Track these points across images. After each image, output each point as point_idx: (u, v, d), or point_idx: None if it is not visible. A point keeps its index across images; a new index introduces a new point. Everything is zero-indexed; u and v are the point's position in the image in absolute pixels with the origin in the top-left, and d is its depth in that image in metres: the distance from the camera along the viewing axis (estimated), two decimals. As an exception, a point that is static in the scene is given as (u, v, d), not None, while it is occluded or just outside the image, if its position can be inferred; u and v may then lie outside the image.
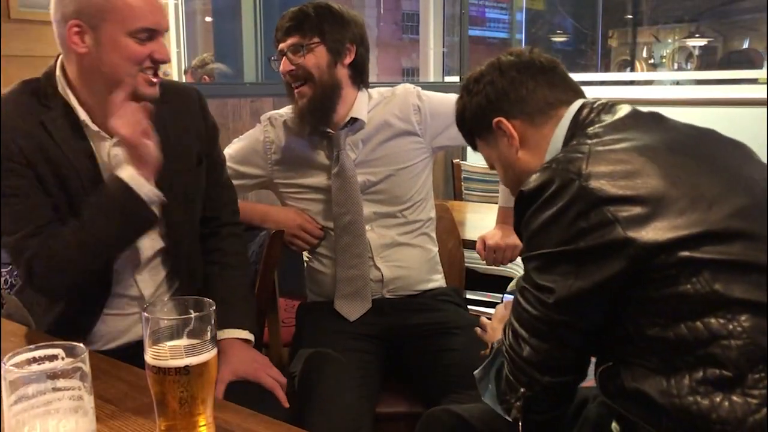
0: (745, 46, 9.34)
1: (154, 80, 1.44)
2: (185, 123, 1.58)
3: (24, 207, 1.40)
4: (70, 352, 0.86)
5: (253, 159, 1.96)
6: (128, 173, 1.37)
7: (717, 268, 0.96)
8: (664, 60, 10.22)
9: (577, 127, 1.19)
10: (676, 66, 9.55)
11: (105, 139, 1.47)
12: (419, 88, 1.98)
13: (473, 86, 1.32)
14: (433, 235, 2.02)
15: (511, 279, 3.07)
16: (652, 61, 10.39)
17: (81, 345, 0.86)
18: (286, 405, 1.46)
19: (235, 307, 1.58)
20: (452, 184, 3.77)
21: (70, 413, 0.84)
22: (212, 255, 1.66)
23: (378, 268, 1.89)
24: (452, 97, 1.97)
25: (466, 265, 2.26)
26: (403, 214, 1.92)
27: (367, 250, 1.88)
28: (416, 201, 1.94)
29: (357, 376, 1.69)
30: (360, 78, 1.90)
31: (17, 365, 0.84)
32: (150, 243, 1.56)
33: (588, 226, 1.00)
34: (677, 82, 7.31)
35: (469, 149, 4.17)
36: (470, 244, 2.20)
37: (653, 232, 0.97)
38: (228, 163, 1.81)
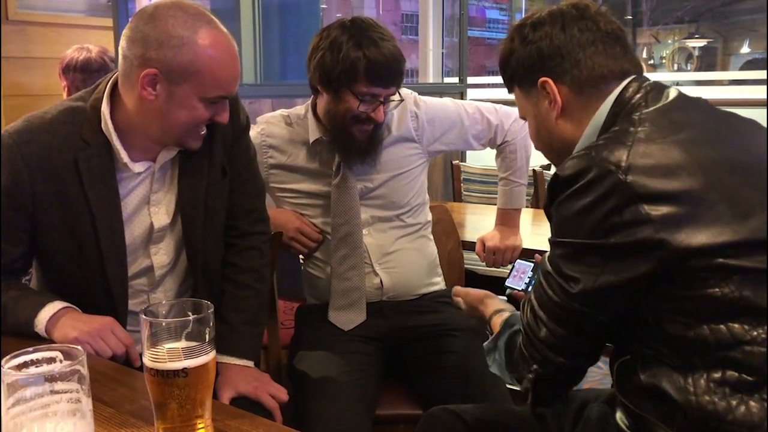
0: (745, 46, 9.35)
1: (203, 134, 1.43)
2: (212, 133, 1.49)
3: None
4: (68, 355, 0.86)
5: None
6: (43, 322, 1.34)
7: (748, 275, 0.95)
8: (663, 60, 10.21)
9: (622, 107, 1.12)
10: (675, 67, 9.54)
11: (147, 169, 1.46)
12: (416, 94, 1.98)
13: (529, 33, 1.20)
14: (431, 237, 2.02)
15: (510, 280, 3.07)
16: (651, 61, 10.39)
17: (79, 348, 0.86)
18: (279, 420, 1.43)
19: (240, 332, 1.53)
20: (451, 185, 3.76)
21: (68, 416, 0.84)
22: (227, 270, 1.60)
23: (377, 275, 1.88)
24: (449, 103, 1.98)
25: (465, 266, 2.25)
26: (400, 218, 1.92)
27: (364, 261, 1.87)
28: (414, 205, 1.93)
29: (356, 378, 1.69)
30: None
31: (15, 368, 0.83)
32: (166, 259, 1.54)
33: (621, 223, 0.97)
34: (677, 83, 7.31)
35: (468, 152, 4.17)
36: (470, 246, 2.20)
37: (687, 237, 0.95)
38: None
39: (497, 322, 1.34)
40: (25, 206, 1.38)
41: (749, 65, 8.78)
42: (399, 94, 1.79)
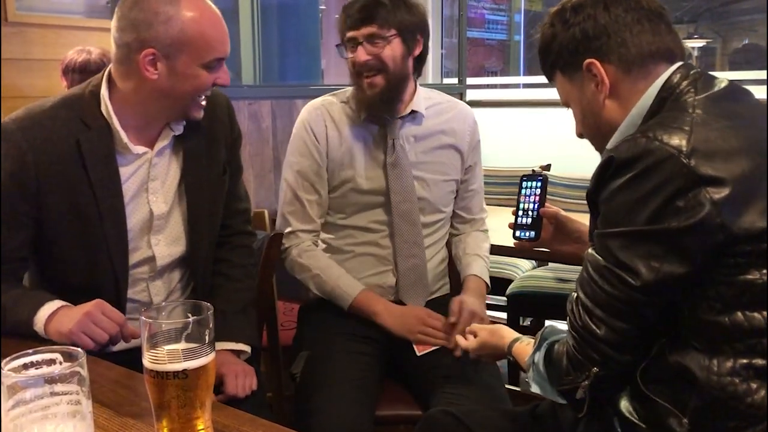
0: (745, 43, 9.34)
1: (204, 104, 1.49)
2: (215, 131, 1.59)
3: None
4: (68, 357, 0.86)
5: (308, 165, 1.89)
6: (42, 320, 1.35)
7: None
8: (662, 61, 10.20)
9: (669, 92, 1.11)
10: (674, 67, 9.52)
11: (142, 156, 1.49)
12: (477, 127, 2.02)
13: (570, 16, 1.18)
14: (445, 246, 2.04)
15: (510, 281, 3.08)
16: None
17: (79, 349, 0.86)
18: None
19: (232, 320, 1.58)
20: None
21: (68, 418, 0.84)
22: (219, 265, 1.66)
23: (395, 275, 1.88)
24: (480, 173, 2.05)
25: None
26: (434, 224, 1.93)
27: (422, 238, 1.88)
28: (445, 215, 1.95)
29: (357, 378, 1.69)
30: (419, 69, 1.90)
31: (15, 369, 0.84)
32: (167, 250, 1.56)
33: (684, 207, 0.96)
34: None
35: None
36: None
37: (745, 220, 0.96)
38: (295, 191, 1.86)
39: (521, 347, 1.31)
40: (30, 190, 1.40)
41: (742, 53, 8.78)
42: (381, 34, 1.75)
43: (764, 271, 0.96)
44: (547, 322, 1.31)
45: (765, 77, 3.41)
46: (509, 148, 4.03)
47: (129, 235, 1.50)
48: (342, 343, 1.78)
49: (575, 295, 1.11)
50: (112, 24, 1.41)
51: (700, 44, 9.36)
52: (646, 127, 1.04)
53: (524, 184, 1.57)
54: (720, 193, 0.95)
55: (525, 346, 1.30)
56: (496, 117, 4.09)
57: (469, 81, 4.34)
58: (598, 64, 1.15)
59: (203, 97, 1.47)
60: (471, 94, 4.29)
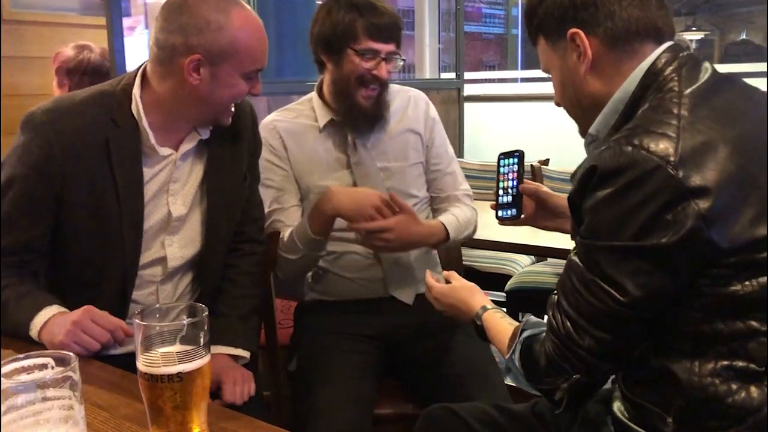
0: (742, 39, 9.33)
1: (233, 111, 1.52)
2: (240, 138, 1.61)
3: (14, 220, 1.41)
4: (60, 362, 0.85)
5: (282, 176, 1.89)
6: (37, 327, 1.33)
7: None
8: (660, 53, 10.20)
9: (653, 79, 1.07)
10: (672, 59, 9.52)
11: (167, 157, 1.49)
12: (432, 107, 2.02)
13: None
14: None
15: (509, 276, 3.07)
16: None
17: (71, 354, 0.85)
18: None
19: (234, 325, 1.58)
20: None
21: (60, 423, 0.83)
22: (228, 270, 1.66)
23: (381, 267, 1.87)
24: (447, 140, 2.01)
25: (464, 263, 2.24)
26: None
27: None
28: (419, 200, 1.93)
29: (355, 376, 1.68)
30: None
31: (6, 375, 0.82)
32: (180, 252, 1.55)
33: (672, 221, 0.93)
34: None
35: (466, 146, 4.17)
36: (469, 242, 2.19)
37: (732, 231, 0.93)
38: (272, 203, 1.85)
39: (495, 320, 1.30)
40: (54, 183, 1.40)
41: (740, 47, 8.79)
42: (399, 55, 1.82)
43: (746, 282, 0.95)
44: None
45: (765, 69, 3.41)
46: (507, 143, 4.02)
47: (145, 236, 1.49)
48: (339, 342, 1.77)
49: (556, 298, 1.09)
50: (156, 24, 1.42)
51: (698, 36, 9.35)
52: (630, 132, 1.00)
53: (502, 162, 1.56)
54: (707, 204, 0.92)
55: (499, 320, 1.29)
56: (494, 111, 4.08)
57: (467, 75, 4.33)
58: (582, 35, 1.12)
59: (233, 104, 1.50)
60: (469, 89, 4.27)
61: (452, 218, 1.87)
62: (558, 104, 1.25)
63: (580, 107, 1.19)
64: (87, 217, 1.43)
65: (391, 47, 1.79)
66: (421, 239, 1.79)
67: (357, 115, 1.81)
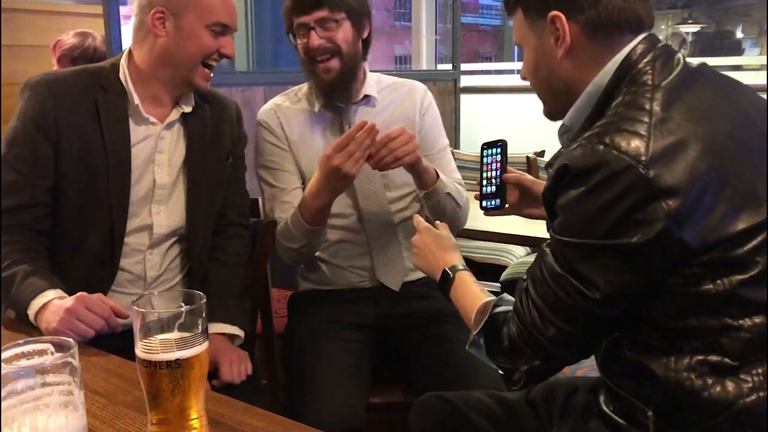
0: (739, 32, 9.34)
1: (210, 75, 1.59)
2: (222, 124, 1.71)
3: (15, 180, 1.48)
4: (60, 347, 0.85)
5: (282, 157, 1.89)
6: (34, 310, 1.37)
7: (748, 269, 0.95)
8: (657, 46, 10.20)
9: (627, 71, 1.06)
10: (669, 52, 9.52)
11: (154, 124, 1.58)
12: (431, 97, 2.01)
13: None
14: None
15: (504, 267, 3.08)
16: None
17: (70, 340, 0.86)
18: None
19: (226, 304, 1.62)
20: (445, 172, 3.75)
21: (60, 408, 0.84)
22: (214, 252, 1.72)
23: (371, 257, 1.89)
24: (442, 129, 2.00)
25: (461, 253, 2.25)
26: (403, 199, 1.92)
27: (391, 215, 1.88)
28: (409, 191, 1.93)
29: (349, 365, 1.69)
30: (366, 52, 1.91)
31: (6, 360, 0.83)
32: (166, 221, 1.61)
33: (642, 220, 0.93)
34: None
35: (462, 138, 4.17)
36: (465, 232, 2.20)
37: (703, 230, 0.93)
38: (264, 177, 1.87)
39: (468, 283, 1.29)
40: (50, 133, 1.49)
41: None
42: (333, 18, 1.75)
43: (718, 281, 0.95)
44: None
45: (765, 63, 3.41)
46: (503, 135, 4.02)
47: (131, 199, 1.56)
48: (333, 331, 1.78)
49: (525, 285, 1.10)
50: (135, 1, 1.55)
51: (695, 29, 9.35)
52: (602, 129, 1.00)
53: (485, 152, 1.57)
54: (677, 204, 0.92)
55: (471, 283, 1.29)
56: (490, 103, 4.08)
57: (464, 67, 4.32)
58: (564, 19, 1.09)
59: (209, 69, 1.57)
60: (465, 80, 4.27)
61: (446, 179, 1.87)
62: (524, 78, 1.24)
63: (551, 90, 1.18)
64: (77, 170, 1.51)
65: (319, 14, 1.75)
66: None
67: (325, 91, 1.83)
